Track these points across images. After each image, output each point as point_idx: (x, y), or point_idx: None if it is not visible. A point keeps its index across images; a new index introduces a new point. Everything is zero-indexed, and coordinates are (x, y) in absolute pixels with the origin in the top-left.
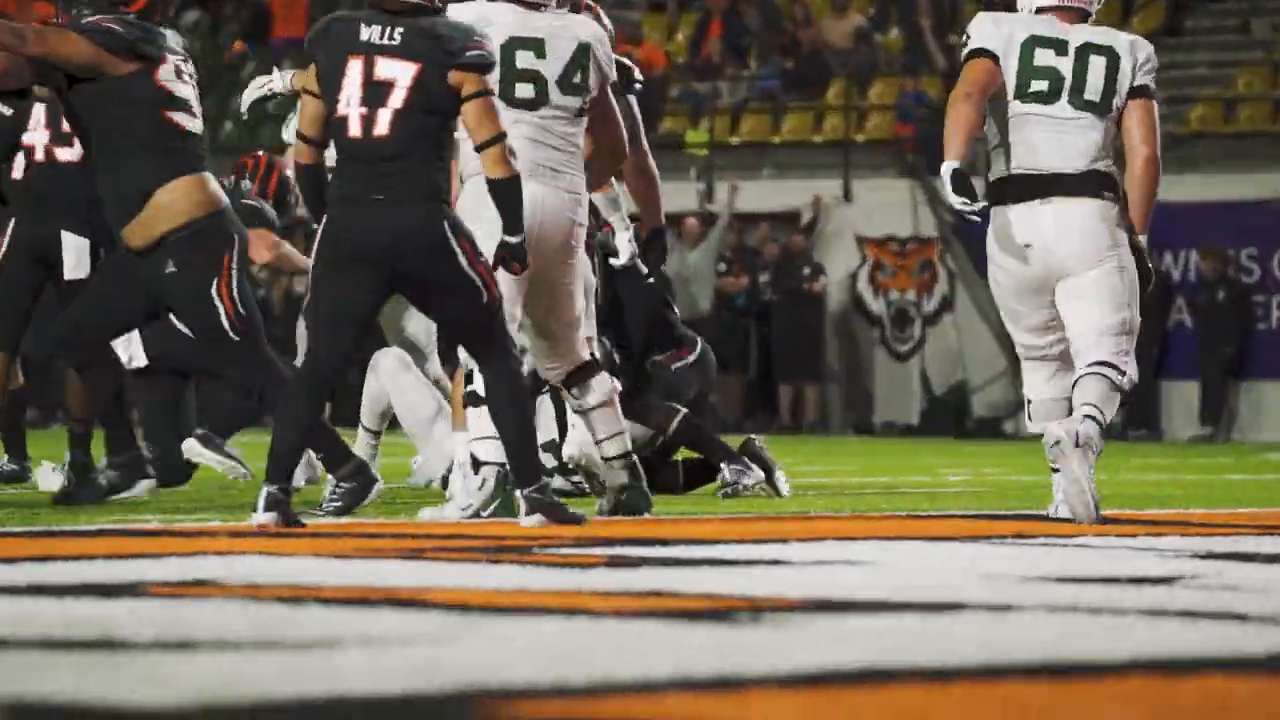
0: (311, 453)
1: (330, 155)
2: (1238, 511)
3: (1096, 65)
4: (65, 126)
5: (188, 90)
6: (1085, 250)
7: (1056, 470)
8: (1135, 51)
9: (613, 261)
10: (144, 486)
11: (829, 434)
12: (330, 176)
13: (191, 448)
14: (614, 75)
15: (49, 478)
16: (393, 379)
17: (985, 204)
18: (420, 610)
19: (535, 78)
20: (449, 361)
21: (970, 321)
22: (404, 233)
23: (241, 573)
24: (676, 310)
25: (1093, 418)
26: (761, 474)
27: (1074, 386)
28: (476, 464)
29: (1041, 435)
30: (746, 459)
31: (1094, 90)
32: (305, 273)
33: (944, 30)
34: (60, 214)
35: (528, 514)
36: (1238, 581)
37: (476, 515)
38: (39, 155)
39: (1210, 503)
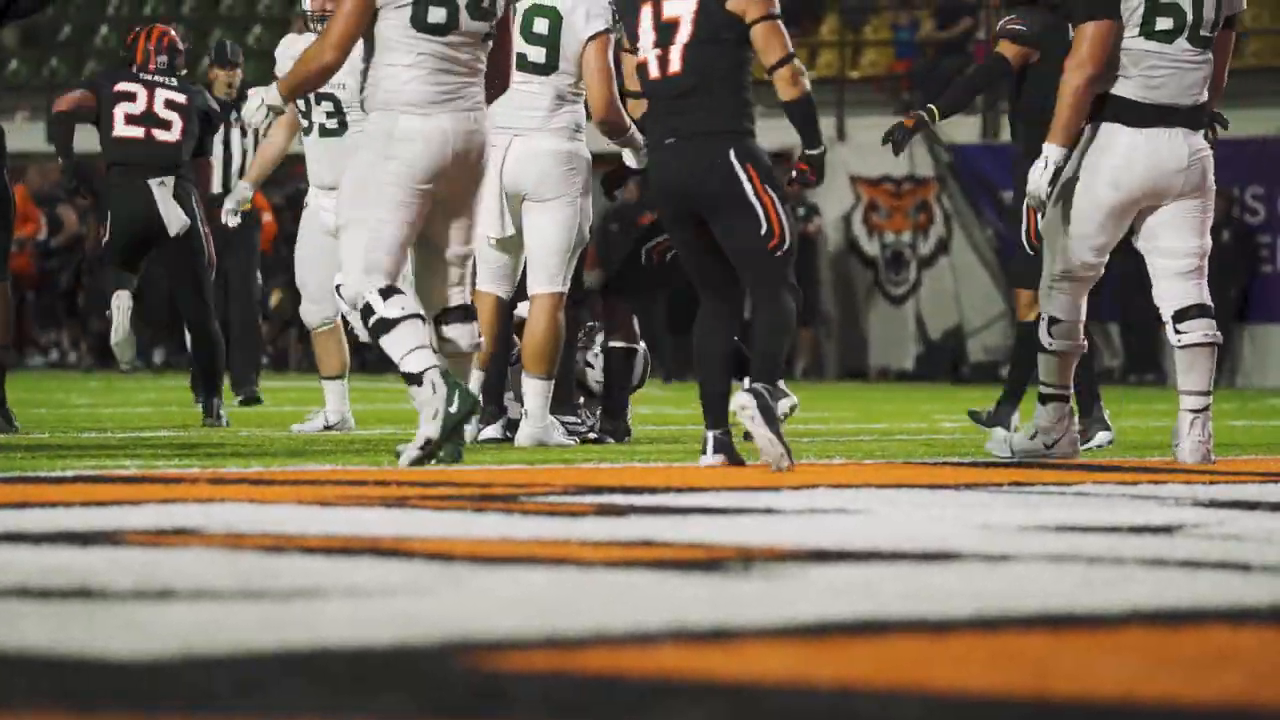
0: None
1: None
2: (1241, 459)
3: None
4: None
5: None
6: (1196, 181)
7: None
8: None
9: (628, 161)
10: None
11: (823, 380)
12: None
13: None
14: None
15: None
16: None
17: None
18: (404, 560)
19: (447, 1)
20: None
21: (967, 264)
22: (694, 167)
23: (222, 521)
24: None
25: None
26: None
27: (1182, 324)
28: (415, 377)
29: (1055, 350)
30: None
31: (1208, 25)
32: None
33: None
34: None
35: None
36: (1240, 531)
37: (448, 418)
38: None
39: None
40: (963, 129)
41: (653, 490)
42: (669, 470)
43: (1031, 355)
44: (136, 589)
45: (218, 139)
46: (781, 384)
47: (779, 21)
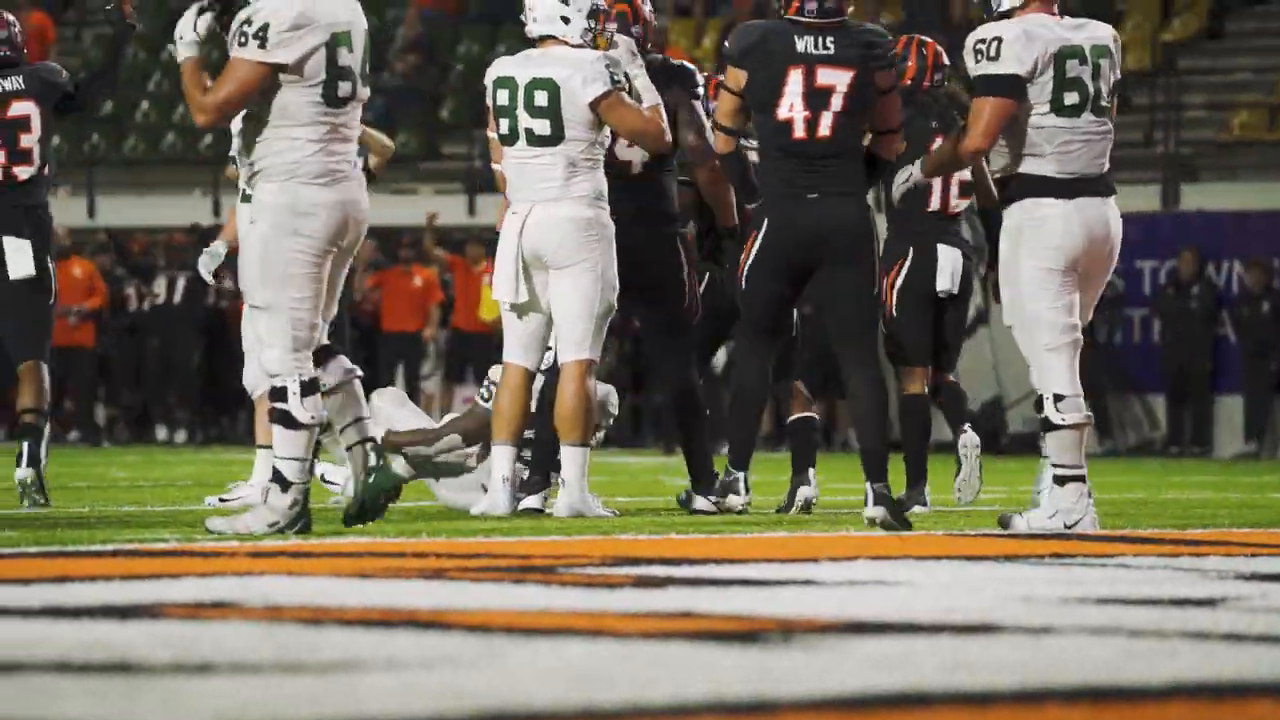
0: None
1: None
2: None
3: (1105, 70)
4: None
5: None
6: (1112, 259)
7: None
8: (1118, 48)
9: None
10: None
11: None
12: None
13: None
14: None
15: None
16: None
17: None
18: (443, 632)
19: (347, 74)
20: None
21: (1005, 335)
22: (837, 220)
23: (260, 593)
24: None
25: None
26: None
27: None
28: (284, 482)
29: (1067, 425)
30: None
31: (1105, 96)
32: None
33: None
34: None
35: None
36: None
37: (281, 532)
38: None
39: (1255, 522)
40: None
41: (691, 561)
42: (707, 541)
43: (922, 429)
44: (176, 663)
45: None
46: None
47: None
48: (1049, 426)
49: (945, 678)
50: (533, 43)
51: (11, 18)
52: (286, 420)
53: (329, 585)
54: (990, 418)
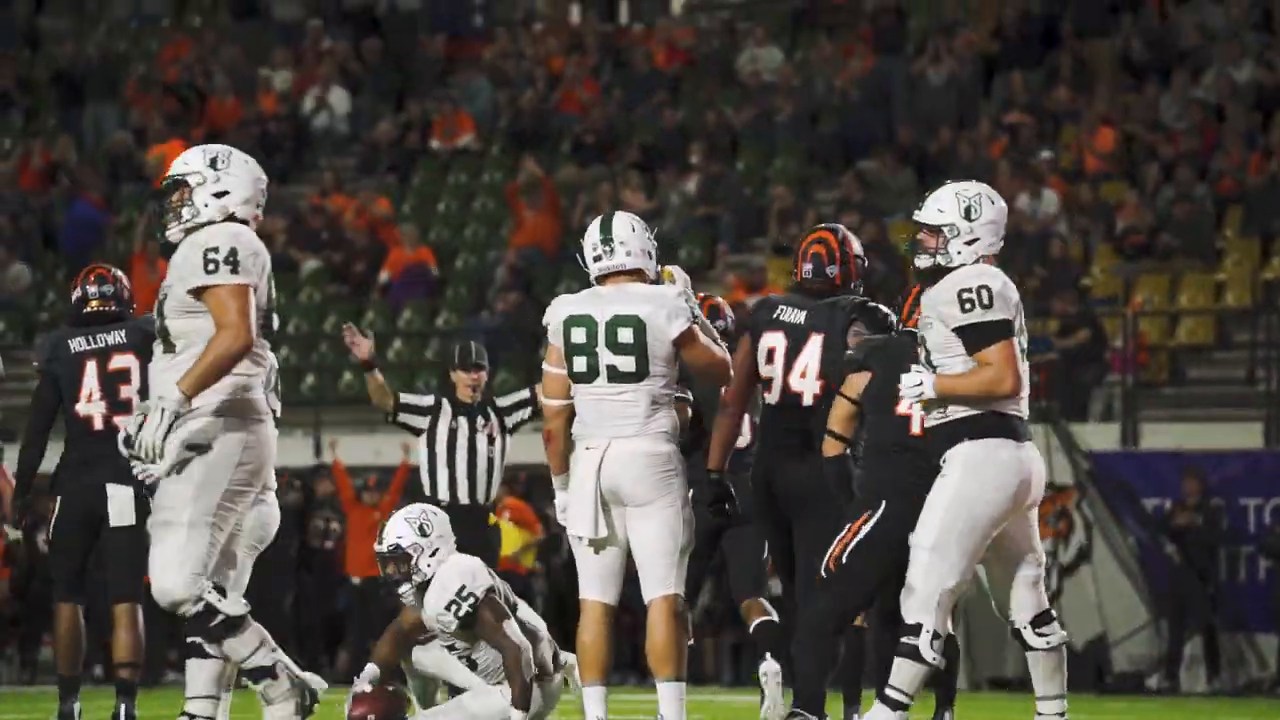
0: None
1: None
2: None
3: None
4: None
5: None
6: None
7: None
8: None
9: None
10: None
11: (959, 690)
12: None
13: None
14: None
15: None
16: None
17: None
18: None
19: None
20: None
21: (1109, 572)
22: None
23: None
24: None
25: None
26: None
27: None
28: (265, 672)
29: (935, 664)
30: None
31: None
32: None
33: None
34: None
35: None
36: None
37: None
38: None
39: None
40: (1101, 436)
41: None
42: None
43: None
44: None
45: (462, 443)
46: None
47: None
48: (919, 660)
49: None
50: (588, 281)
51: (120, 273)
52: (230, 624)
53: None
54: (1096, 656)
